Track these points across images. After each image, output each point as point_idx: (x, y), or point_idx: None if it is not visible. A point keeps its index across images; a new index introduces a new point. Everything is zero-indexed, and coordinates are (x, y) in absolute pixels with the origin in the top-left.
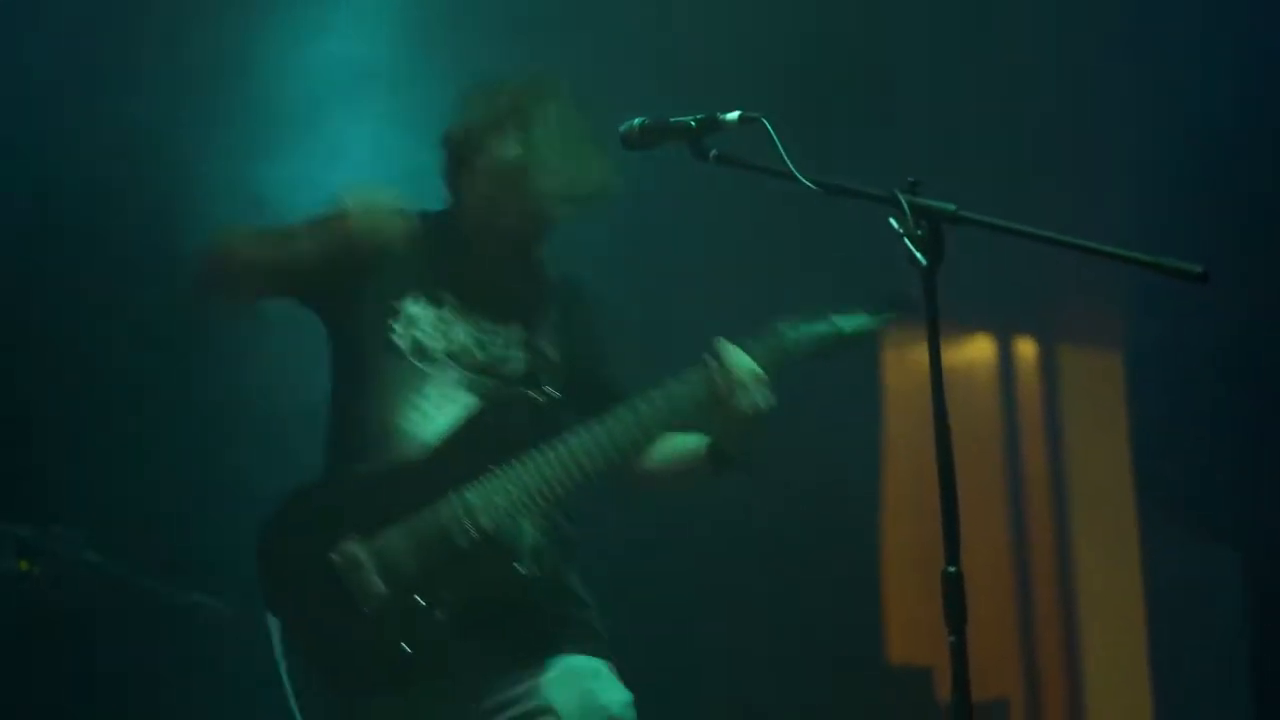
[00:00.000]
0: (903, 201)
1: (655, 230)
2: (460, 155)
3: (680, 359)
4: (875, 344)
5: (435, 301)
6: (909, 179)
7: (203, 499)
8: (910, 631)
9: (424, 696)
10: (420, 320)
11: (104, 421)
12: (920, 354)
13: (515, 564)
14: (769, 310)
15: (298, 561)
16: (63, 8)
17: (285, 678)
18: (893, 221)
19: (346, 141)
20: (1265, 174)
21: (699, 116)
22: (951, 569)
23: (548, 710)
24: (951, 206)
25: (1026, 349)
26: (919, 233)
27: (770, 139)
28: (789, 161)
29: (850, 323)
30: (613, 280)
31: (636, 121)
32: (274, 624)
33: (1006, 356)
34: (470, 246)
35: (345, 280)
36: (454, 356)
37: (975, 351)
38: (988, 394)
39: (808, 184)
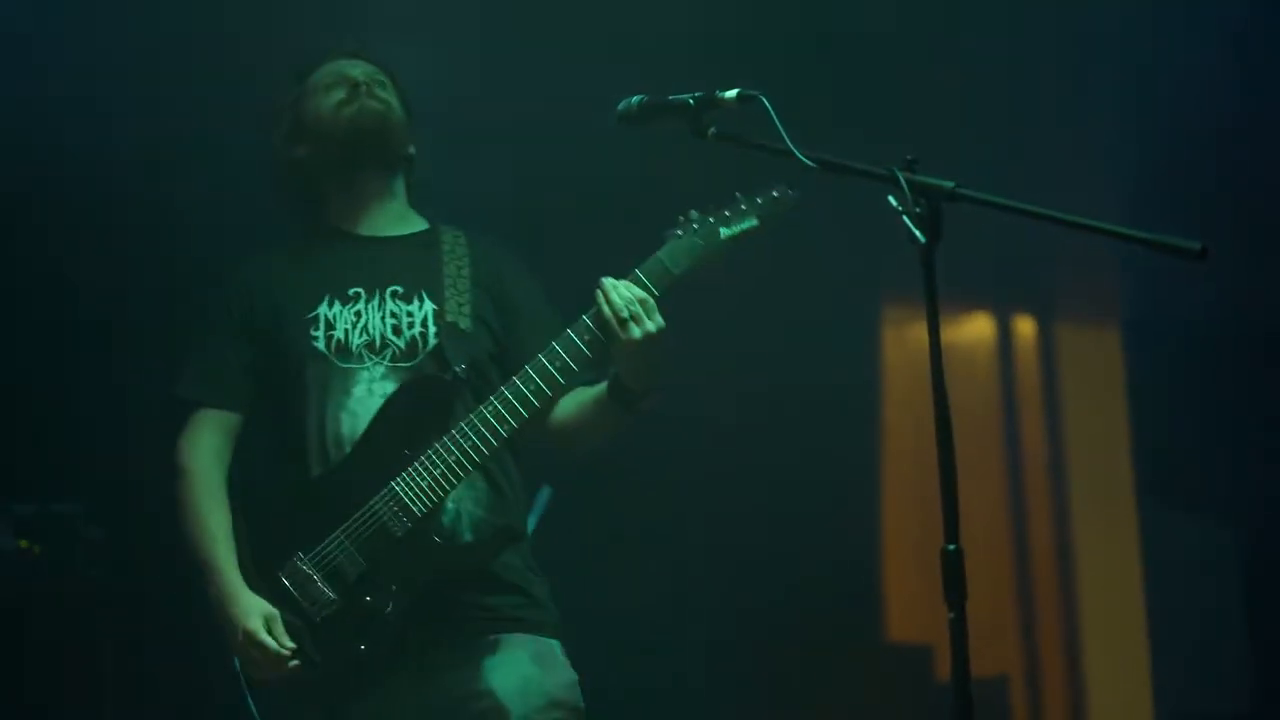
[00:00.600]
0: (901, 179)
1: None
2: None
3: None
4: (874, 322)
5: (345, 299)
6: (907, 157)
7: None
8: (910, 609)
9: (392, 690)
10: (336, 320)
11: (106, 398)
12: (919, 332)
13: (445, 539)
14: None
15: (252, 581)
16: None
17: (249, 700)
18: (891, 199)
19: None
20: (1262, 147)
21: (697, 94)
22: (951, 547)
23: (487, 693)
24: (950, 184)
25: (1025, 327)
26: (918, 210)
27: (769, 116)
28: (787, 139)
29: (728, 229)
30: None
31: (634, 99)
32: (237, 661)
33: (1005, 334)
34: (346, 234)
35: (262, 327)
36: (373, 348)
37: (974, 329)
38: (986, 372)
39: (806, 161)
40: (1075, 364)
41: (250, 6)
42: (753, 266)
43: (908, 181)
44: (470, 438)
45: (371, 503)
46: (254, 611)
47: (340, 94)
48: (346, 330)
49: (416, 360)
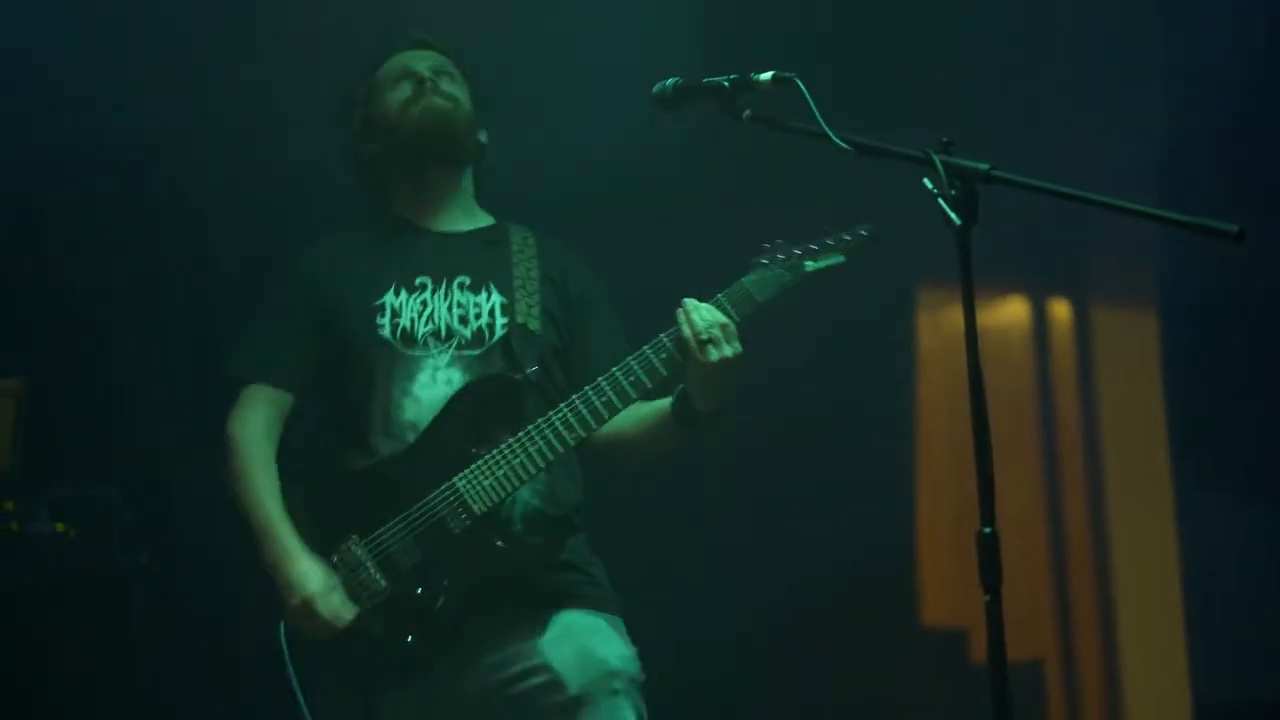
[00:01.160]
0: (936, 161)
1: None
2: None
3: (656, 324)
4: (909, 306)
5: (411, 288)
6: (942, 139)
7: None
8: (945, 593)
9: (431, 678)
10: (402, 309)
11: (142, 383)
12: (954, 315)
13: (504, 541)
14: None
15: None
16: None
17: (294, 682)
18: (927, 181)
19: None
20: None
21: (732, 76)
22: (987, 530)
23: (544, 668)
24: (985, 166)
25: (1061, 309)
26: (953, 193)
27: (804, 99)
28: (822, 121)
29: (814, 263)
30: (592, 243)
31: (670, 82)
32: (281, 630)
33: (1040, 317)
34: (414, 226)
35: (327, 308)
36: (439, 337)
37: (1009, 312)
38: (1021, 355)
39: (841, 144)
40: (1111, 347)
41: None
42: (725, 241)
43: (943, 164)
44: (537, 442)
45: (431, 496)
46: (314, 577)
47: (406, 91)
48: (412, 319)
49: (483, 349)
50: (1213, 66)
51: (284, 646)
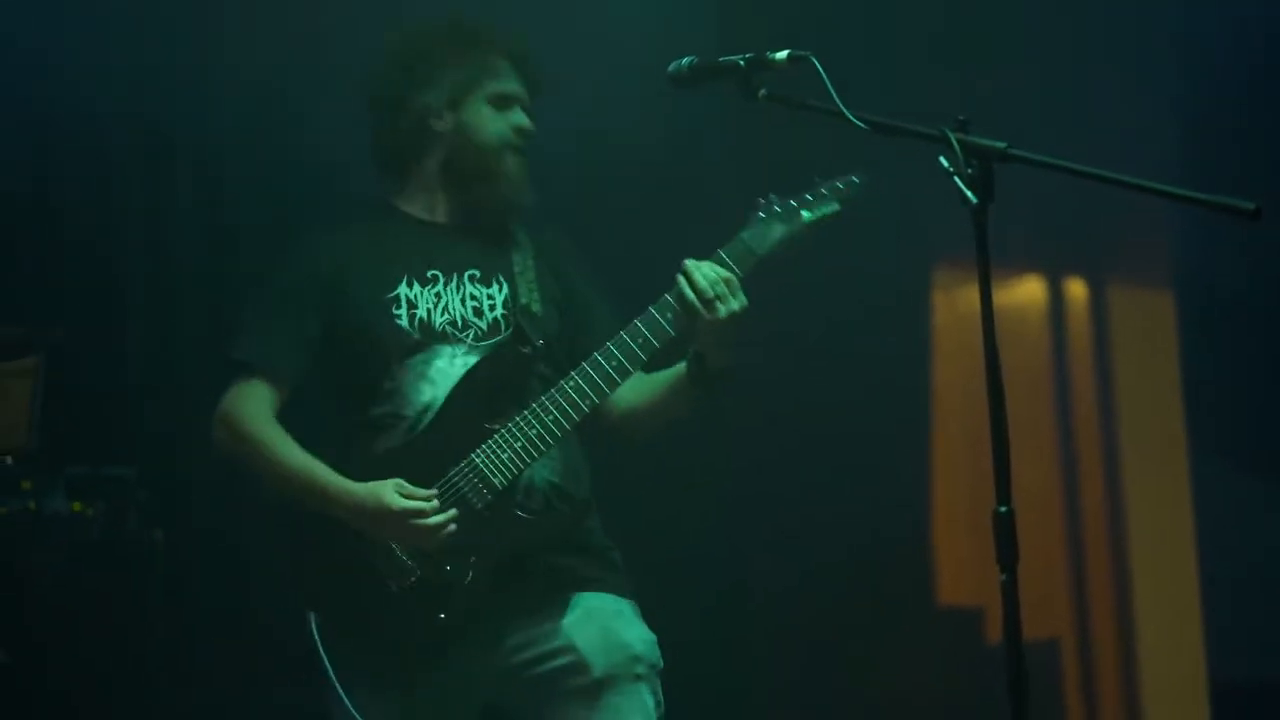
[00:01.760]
0: (953, 140)
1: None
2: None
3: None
4: (925, 285)
5: (424, 281)
6: (959, 117)
7: None
8: (961, 572)
9: (455, 660)
10: (418, 300)
11: (160, 360)
12: (970, 294)
13: (525, 512)
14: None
15: (328, 553)
16: None
17: (329, 670)
18: (943, 160)
19: None
20: None
21: (748, 55)
22: (1003, 509)
23: (568, 649)
24: (1002, 144)
25: (1077, 288)
26: (969, 171)
27: (819, 77)
28: (838, 100)
29: (810, 213)
30: (586, 219)
31: (685, 61)
32: (311, 619)
33: (1057, 296)
34: (416, 219)
35: (334, 302)
36: (456, 327)
37: (1025, 291)
38: (1038, 334)
39: (857, 122)
40: (1127, 325)
41: None
42: (718, 204)
43: (959, 142)
44: (552, 412)
45: (451, 474)
46: (382, 492)
47: (508, 134)
48: (429, 309)
49: (498, 340)
50: (1228, 44)
51: (316, 636)
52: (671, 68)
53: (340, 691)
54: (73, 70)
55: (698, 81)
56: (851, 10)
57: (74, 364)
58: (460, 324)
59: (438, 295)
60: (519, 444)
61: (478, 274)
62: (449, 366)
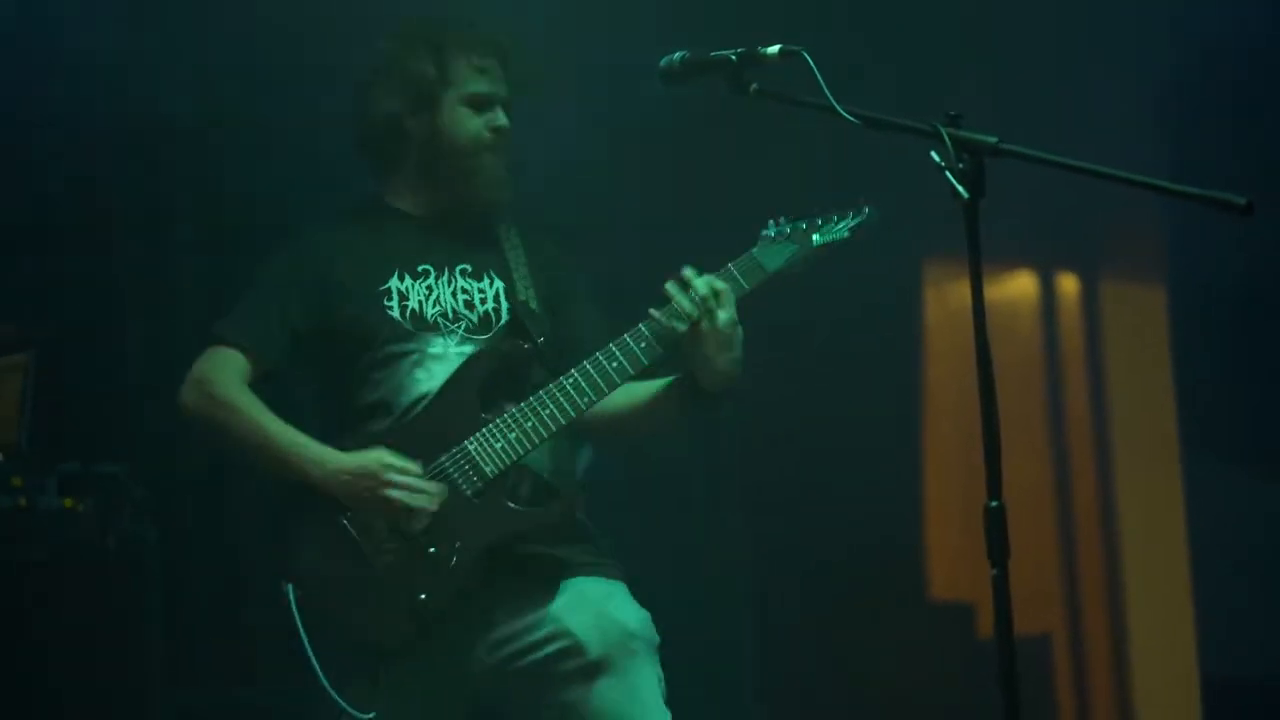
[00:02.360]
0: (944, 134)
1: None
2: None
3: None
4: (916, 281)
5: (415, 275)
6: (950, 112)
7: None
8: (952, 566)
9: (437, 651)
10: (410, 293)
11: (152, 356)
12: (961, 289)
13: (515, 502)
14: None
15: (312, 528)
16: None
17: (305, 642)
18: (934, 155)
19: None
20: None
21: (739, 50)
22: (994, 503)
23: (562, 633)
24: (994, 139)
25: (1069, 284)
26: (960, 166)
27: (811, 72)
28: (830, 95)
29: (821, 236)
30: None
31: (676, 56)
32: (291, 592)
33: (1048, 291)
34: (407, 214)
35: (327, 294)
36: (448, 318)
37: (1017, 287)
38: (1029, 329)
39: (848, 117)
40: (1119, 321)
41: None
42: (723, 217)
43: (951, 137)
44: (549, 406)
45: (442, 459)
46: (368, 452)
47: (485, 133)
48: (420, 302)
49: (490, 334)
50: (1220, 39)
51: (294, 607)
52: (663, 63)
53: (315, 664)
54: (70, 67)
55: (689, 77)
56: (839, 7)
57: (66, 361)
58: (451, 316)
59: (429, 288)
60: (513, 435)
61: (469, 269)
62: (443, 354)
